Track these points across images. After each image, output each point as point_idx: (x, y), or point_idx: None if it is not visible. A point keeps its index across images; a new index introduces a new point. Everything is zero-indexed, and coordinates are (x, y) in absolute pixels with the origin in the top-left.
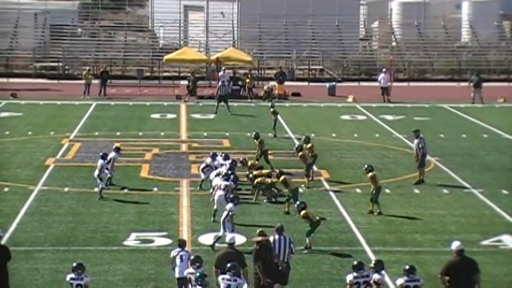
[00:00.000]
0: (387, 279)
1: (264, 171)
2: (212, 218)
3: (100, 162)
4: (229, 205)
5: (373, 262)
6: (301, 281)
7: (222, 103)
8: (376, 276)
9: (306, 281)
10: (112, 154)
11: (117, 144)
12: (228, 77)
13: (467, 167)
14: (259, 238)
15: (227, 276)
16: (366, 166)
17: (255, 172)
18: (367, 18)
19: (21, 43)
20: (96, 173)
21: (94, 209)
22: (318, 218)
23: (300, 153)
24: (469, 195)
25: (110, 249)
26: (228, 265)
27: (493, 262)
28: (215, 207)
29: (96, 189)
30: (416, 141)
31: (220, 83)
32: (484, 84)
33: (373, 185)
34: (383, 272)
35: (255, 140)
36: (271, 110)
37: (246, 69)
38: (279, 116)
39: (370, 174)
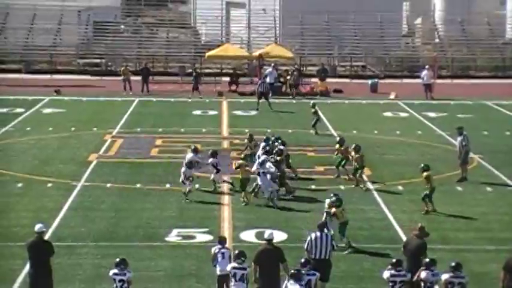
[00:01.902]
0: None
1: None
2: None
3: (183, 169)
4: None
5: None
6: (343, 278)
7: (263, 99)
8: (423, 274)
9: (347, 278)
10: (189, 155)
11: (196, 145)
12: (276, 74)
13: (511, 165)
14: (417, 232)
15: (302, 271)
16: (422, 165)
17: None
18: (410, 14)
19: (65, 40)
20: (181, 178)
21: (136, 205)
22: (346, 219)
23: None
24: None
25: (152, 245)
26: (302, 260)
27: None
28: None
29: (139, 186)
30: (459, 138)
31: (261, 80)
32: None
33: (428, 184)
34: (435, 270)
35: (246, 140)
36: (312, 110)
37: (288, 66)
38: (320, 114)
39: (426, 173)
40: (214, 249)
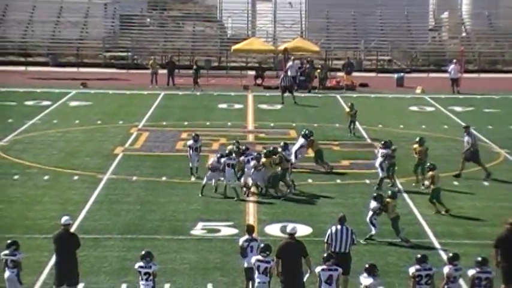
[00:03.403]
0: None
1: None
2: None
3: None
4: (373, 204)
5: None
6: None
7: (287, 93)
8: (445, 269)
9: None
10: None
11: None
12: (297, 67)
13: None
14: (510, 226)
15: (324, 266)
16: (428, 164)
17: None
18: (436, 8)
19: (91, 33)
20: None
21: (162, 198)
22: (397, 213)
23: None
24: None
25: (177, 238)
26: (325, 255)
27: None
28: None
29: (164, 179)
30: (466, 137)
31: (283, 74)
32: None
33: (432, 185)
34: (458, 265)
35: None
36: (351, 112)
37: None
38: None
39: (431, 173)
40: (243, 241)
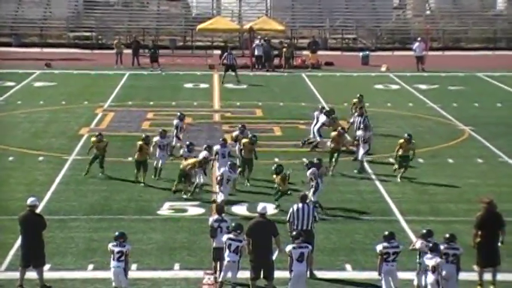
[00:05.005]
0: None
1: None
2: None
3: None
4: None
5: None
6: (334, 250)
7: (230, 72)
8: (417, 243)
9: (338, 250)
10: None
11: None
12: (262, 45)
13: (502, 136)
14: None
15: (295, 244)
16: (274, 166)
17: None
18: None
19: (55, 13)
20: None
21: (128, 179)
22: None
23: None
24: (504, 165)
25: (144, 218)
26: (294, 233)
27: None
28: None
29: (130, 159)
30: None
31: (226, 52)
32: None
33: (283, 185)
34: (431, 243)
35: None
36: (360, 104)
37: (279, 39)
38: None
39: (279, 176)
40: (213, 221)
